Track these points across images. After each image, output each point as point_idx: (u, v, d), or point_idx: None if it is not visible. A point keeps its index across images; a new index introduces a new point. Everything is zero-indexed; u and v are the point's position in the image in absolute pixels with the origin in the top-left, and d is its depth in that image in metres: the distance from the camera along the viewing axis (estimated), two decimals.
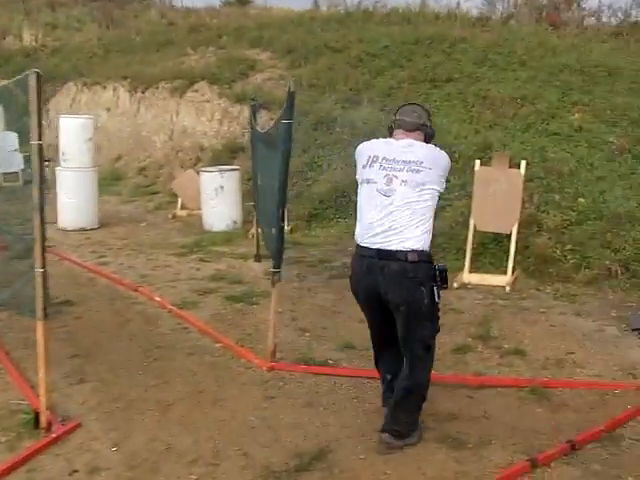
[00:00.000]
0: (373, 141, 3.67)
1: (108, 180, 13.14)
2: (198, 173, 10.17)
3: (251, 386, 4.36)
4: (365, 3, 16.38)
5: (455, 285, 6.34)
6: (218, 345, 5.08)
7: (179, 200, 10.74)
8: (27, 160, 3.81)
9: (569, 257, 6.62)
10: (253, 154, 7.68)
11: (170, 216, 10.54)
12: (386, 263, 3.37)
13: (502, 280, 6.46)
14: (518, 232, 6.62)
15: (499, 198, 6.62)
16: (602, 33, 13.21)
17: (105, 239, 9.11)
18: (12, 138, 5.02)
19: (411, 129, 3.57)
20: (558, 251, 6.70)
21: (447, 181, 3.65)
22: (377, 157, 3.51)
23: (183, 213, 10.56)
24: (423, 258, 3.40)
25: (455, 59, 11.76)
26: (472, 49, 11.98)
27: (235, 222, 9.51)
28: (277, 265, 4.62)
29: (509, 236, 6.65)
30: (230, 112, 12.96)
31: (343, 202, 9.22)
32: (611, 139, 8.37)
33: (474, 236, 6.80)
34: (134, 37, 18.28)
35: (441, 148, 3.64)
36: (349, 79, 11.91)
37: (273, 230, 4.80)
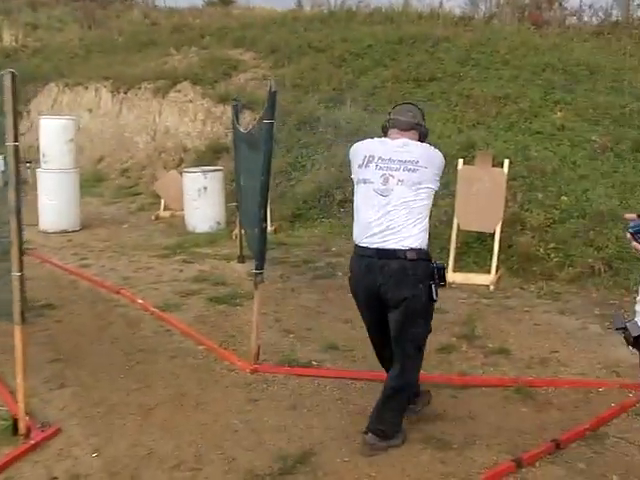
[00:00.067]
0: (368, 140, 3.66)
1: (90, 181, 13.03)
2: (181, 174, 10.10)
3: (234, 389, 4.31)
4: (348, 3, 16.42)
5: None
6: (201, 347, 5.02)
7: (162, 201, 10.66)
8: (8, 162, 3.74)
9: (552, 255, 6.63)
10: (236, 154, 7.64)
11: (153, 217, 10.46)
12: (386, 262, 3.37)
13: (486, 279, 6.46)
14: (502, 231, 6.62)
15: (482, 197, 6.61)
16: (584, 32, 13.28)
17: (87, 241, 9.02)
18: None
19: (406, 128, 3.57)
20: (541, 249, 6.72)
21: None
22: (373, 157, 3.50)
23: (166, 214, 10.48)
24: (422, 256, 3.41)
25: (438, 58, 11.78)
26: (455, 48, 12.01)
27: (218, 223, 9.45)
28: (260, 266, 4.57)
29: (493, 235, 6.65)
30: (213, 112, 12.90)
31: (327, 202, 9.20)
32: (593, 138, 8.41)
33: (458, 235, 6.79)
34: (116, 37, 18.17)
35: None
36: (332, 79, 11.89)
37: (256, 231, 4.75)
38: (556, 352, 4.83)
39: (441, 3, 15.70)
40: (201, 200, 9.34)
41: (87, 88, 15.63)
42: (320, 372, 4.53)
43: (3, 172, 5.21)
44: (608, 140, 8.22)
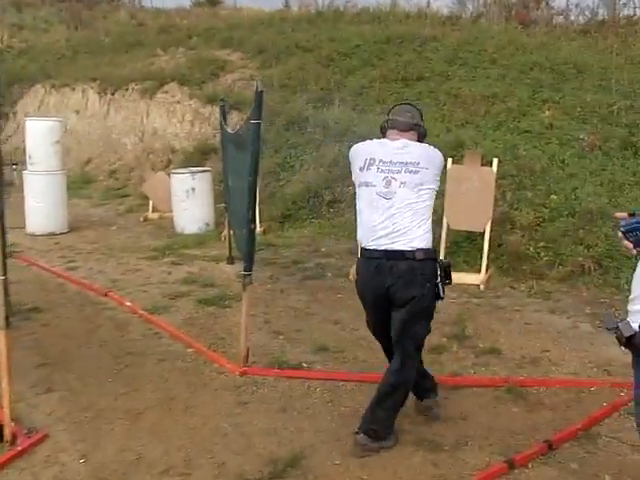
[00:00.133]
0: (368, 142, 3.66)
1: (78, 183, 12.96)
2: (169, 175, 10.04)
3: (223, 392, 4.27)
4: (336, 3, 16.42)
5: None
6: (190, 350, 4.97)
7: (150, 203, 10.59)
8: None
9: (542, 254, 6.62)
10: (223, 155, 7.59)
11: (141, 219, 10.39)
12: (394, 263, 3.39)
13: (476, 278, 6.44)
14: (491, 230, 6.61)
15: (472, 196, 6.60)
16: (570, 31, 13.33)
17: (75, 243, 8.94)
18: None
19: (405, 129, 3.57)
20: (531, 248, 6.71)
21: None
22: (374, 160, 3.49)
23: (154, 216, 10.42)
24: (429, 256, 3.45)
25: (426, 58, 11.78)
26: (443, 48, 12.01)
27: (207, 224, 9.40)
28: (248, 268, 4.53)
29: (482, 234, 6.64)
30: (201, 113, 12.84)
31: (316, 202, 9.17)
32: (581, 136, 8.41)
33: (447, 235, 6.78)
34: (103, 38, 18.07)
35: None
36: (320, 79, 11.86)
37: (244, 232, 4.71)
38: (547, 351, 4.82)
39: (428, 3, 15.79)
40: (189, 201, 9.29)
41: (74, 89, 15.55)
42: (310, 374, 4.49)
43: None
44: (596, 138, 8.22)
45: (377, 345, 4.91)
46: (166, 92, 13.64)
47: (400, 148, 3.49)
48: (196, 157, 11.68)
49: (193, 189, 9.31)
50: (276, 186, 9.88)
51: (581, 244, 6.55)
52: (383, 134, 3.65)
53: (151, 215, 10.46)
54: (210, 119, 12.42)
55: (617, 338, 2.26)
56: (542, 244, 6.71)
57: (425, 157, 3.49)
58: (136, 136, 13.73)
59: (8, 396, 3.62)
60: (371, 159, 3.50)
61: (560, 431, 3.62)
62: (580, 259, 6.36)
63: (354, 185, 3.65)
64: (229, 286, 6.51)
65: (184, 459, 3.47)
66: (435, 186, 3.51)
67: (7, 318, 3.57)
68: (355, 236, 3.69)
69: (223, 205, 7.79)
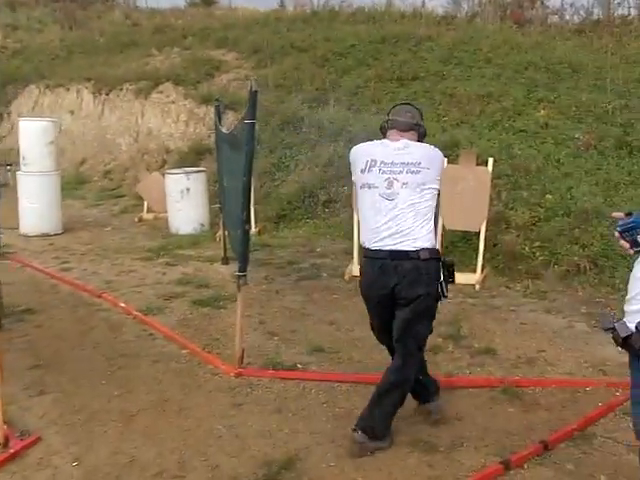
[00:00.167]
0: (368, 144, 3.66)
1: (72, 184, 12.93)
2: (163, 175, 10.01)
3: (218, 393, 4.24)
4: (331, 3, 16.42)
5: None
6: (184, 351, 4.94)
7: (145, 203, 10.56)
8: None
9: (538, 254, 6.61)
10: (218, 155, 7.57)
11: (136, 220, 10.36)
12: (399, 263, 3.40)
13: (471, 278, 6.43)
14: (487, 230, 6.59)
15: (467, 196, 6.58)
16: (565, 31, 13.34)
17: (69, 244, 8.90)
18: None
19: (405, 129, 3.57)
20: (527, 248, 6.70)
21: None
22: (375, 161, 3.49)
23: (149, 216, 10.39)
24: (433, 255, 3.46)
25: (421, 57, 11.76)
26: (438, 47, 12.00)
27: (202, 225, 9.37)
28: (242, 268, 4.50)
29: (478, 234, 6.62)
30: (196, 113, 12.81)
31: (311, 203, 9.16)
32: (577, 135, 8.41)
33: (443, 235, 6.76)
34: (97, 38, 18.02)
35: None
36: (315, 79, 11.84)
37: (239, 232, 4.69)
38: (543, 351, 4.80)
39: (424, 2, 15.83)
40: (184, 202, 9.26)
41: (68, 89, 15.50)
42: (305, 375, 4.46)
43: None
44: (591, 138, 8.22)
45: (372, 345, 4.90)
46: (161, 92, 13.61)
47: (401, 149, 3.49)
48: (191, 157, 11.64)
49: (188, 189, 9.28)
50: (271, 186, 9.86)
51: (576, 243, 6.54)
52: (383, 134, 3.65)
53: (146, 216, 10.43)
54: (205, 119, 12.39)
55: (614, 338, 2.24)
56: (537, 244, 6.69)
57: (426, 157, 3.49)
58: (131, 136, 13.69)
59: (0, 398, 3.59)
60: (372, 160, 3.50)
61: (556, 431, 3.61)
62: (575, 258, 6.35)
63: (355, 186, 3.66)
64: (224, 287, 6.48)
65: (178, 461, 3.44)
66: (437, 185, 3.52)
67: None
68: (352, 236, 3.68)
69: (218, 205, 7.76)
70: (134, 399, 4.17)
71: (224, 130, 6.89)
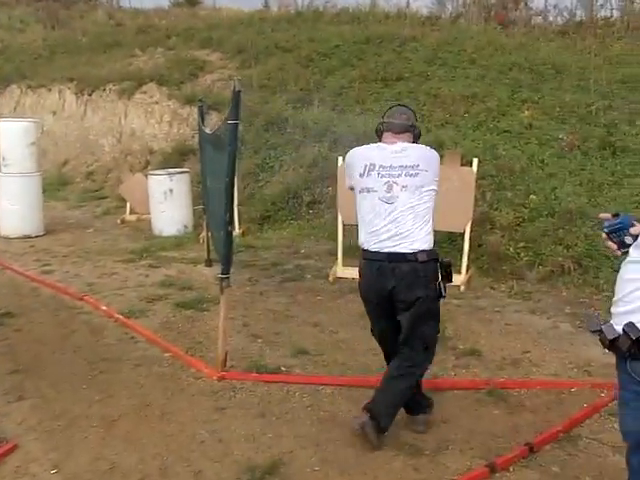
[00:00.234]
0: (365, 147, 3.67)
1: (54, 185, 12.81)
2: (146, 176, 9.92)
3: (201, 397, 4.18)
4: (315, 3, 16.36)
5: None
6: (167, 355, 4.88)
7: (128, 205, 10.46)
8: None
9: (522, 254, 6.61)
10: (201, 156, 7.51)
11: (119, 221, 10.27)
12: (397, 265, 3.42)
13: (456, 279, 6.34)
14: (471, 230, 6.57)
15: (452, 197, 6.53)
16: (549, 32, 13.37)
17: (50, 246, 8.79)
18: None
19: (400, 131, 3.59)
20: (511, 249, 6.69)
21: None
22: (374, 165, 3.51)
23: (132, 218, 10.29)
24: (432, 257, 3.48)
25: (405, 58, 11.75)
26: (422, 48, 11.99)
27: (185, 226, 9.30)
28: (226, 271, 4.45)
29: (462, 235, 6.60)
30: (180, 114, 12.72)
31: (295, 204, 9.11)
32: (561, 136, 8.42)
33: None
34: (80, 38, 17.84)
35: None
36: (300, 79, 11.79)
37: (222, 234, 4.63)
38: (528, 352, 4.79)
39: (408, 3, 15.78)
40: (167, 203, 9.18)
41: (50, 90, 15.35)
42: (289, 378, 4.42)
43: None
44: (575, 138, 8.23)
45: (357, 347, 4.91)
46: (144, 92, 13.50)
47: (398, 152, 3.51)
48: (174, 158, 11.56)
49: (171, 190, 9.21)
50: (255, 187, 9.81)
51: (561, 244, 6.54)
52: (379, 137, 3.66)
53: (128, 217, 10.34)
54: (189, 120, 12.30)
55: (601, 341, 2.22)
56: (522, 244, 6.69)
57: (424, 159, 3.51)
58: (114, 137, 13.58)
59: None
60: (371, 164, 3.52)
61: (541, 433, 3.60)
62: (560, 259, 6.35)
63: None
64: (207, 289, 6.42)
65: (160, 467, 3.39)
66: (435, 187, 3.53)
67: None
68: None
69: (201, 207, 7.70)
70: (115, 404, 4.10)
71: (207, 131, 6.83)
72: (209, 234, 7.09)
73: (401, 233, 3.41)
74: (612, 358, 2.37)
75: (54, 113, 14.99)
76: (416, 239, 3.42)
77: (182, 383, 4.41)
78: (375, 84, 11.08)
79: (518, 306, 5.84)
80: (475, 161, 6.70)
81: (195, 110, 10.25)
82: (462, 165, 6.75)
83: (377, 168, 3.49)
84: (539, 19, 15.33)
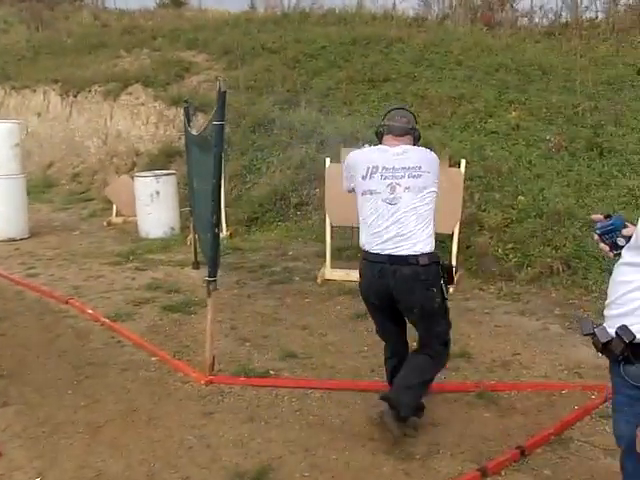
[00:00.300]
0: (366, 150, 3.72)
1: (40, 187, 12.73)
2: (133, 178, 9.84)
3: (188, 402, 4.13)
4: (302, 4, 16.36)
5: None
6: (154, 359, 4.82)
7: (114, 207, 10.38)
8: None
9: (511, 256, 6.60)
10: (187, 158, 7.45)
11: (105, 223, 10.18)
12: (398, 268, 3.43)
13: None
14: (460, 232, 6.55)
15: (440, 198, 6.52)
16: (535, 33, 13.45)
17: (35, 249, 8.70)
18: None
19: (401, 134, 3.62)
20: (500, 250, 6.68)
21: None
22: (377, 167, 3.53)
23: (119, 220, 10.21)
24: (433, 259, 3.50)
25: (392, 59, 11.75)
26: (409, 49, 12.01)
27: (172, 228, 9.22)
28: (213, 273, 4.40)
29: (451, 236, 6.58)
30: (166, 115, 12.64)
31: (283, 205, 9.07)
32: (548, 137, 8.44)
33: None
34: (65, 39, 17.71)
35: None
36: (287, 80, 11.76)
37: (209, 236, 4.58)
38: (518, 354, 4.77)
39: (394, 4, 15.79)
40: (154, 205, 9.10)
41: (35, 91, 15.22)
42: (278, 382, 4.37)
43: None
44: (562, 139, 8.25)
45: (345, 350, 4.88)
46: (130, 94, 13.41)
47: (400, 154, 3.53)
48: (161, 160, 11.48)
49: (157, 192, 9.13)
50: (242, 189, 9.76)
51: (549, 245, 6.53)
52: (379, 139, 3.68)
53: (115, 219, 10.25)
54: (175, 121, 12.23)
55: (594, 344, 2.19)
56: (510, 245, 6.68)
57: (425, 161, 3.55)
58: (99, 139, 13.48)
59: None
60: (374, 167, 3.53)
61: (532, 436, 3.57)
62: (548, 260, 6.34)
63: (356, 194, 3.64)
64: (194, 292, 6.36)
65: (147, 474, 3.32)
66: (435, 188, 3.57)
67: None
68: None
69: (188, 209, 7.63)
70: (101, 409, 4.04)
71: (193, 132, 6.77)
72: (196, 236, 7.03)
73: (403, 234, 3.43)
74: (602, 360, 2.35)
75: (39, 114, 14.88)
76: (418, 240, 3.43)
77: (169, 388, 4.34)
78: (362, 85, 11.07)
79: (507, 307, 5.82)
80: (463, 162, 6.68)
81: (181, 111, 10.20)
82: (450, 166, 6.73)
83: (380, 170, 3.51)
84: (525, 20, 15.42)
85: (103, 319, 5.66)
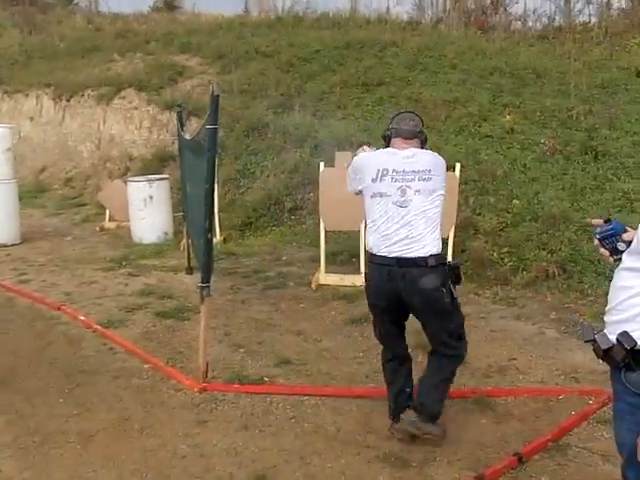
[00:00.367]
0: (376, 153, 3.70)
1: (32, 192, 12.64)
2: (126, 183, 9.77)
3: (181, 410, 4.07)
4: (296, 8, 16.35)
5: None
6: (146, 366, 4.75)
7: (107, 212, 10.31)
8: None
9: (506, 260, 6.55)
10: (181, 162, 7.40)
11: (98, 229, 10.10)
12: (407, 270, 3.43)
13: None
14: (455, 236, 6.52)
15: None
16: (529, 37, 13.49)
17: (27, 255, 8.62)
18: None
19: (410, 137, 3.63)
20: (495, 254, 6.64)
21: None
22: (387, 170, 3.52)
23: (112, 225, 10.13)
24: (440, 261, 3.50)
25: (386, 63, 11.74)
26: (403, 53, 12.00)
27: (166, 233, 9.16)
28: (206, 279, 4.35)
29: (446, 240, 6.54)
30: (159, 119, 12.59)
31: (277, 210, 9.02)
32: (542, 140, 8.44)
33: None
34: (58, 43, 17.64)
35: None
36: (280, 84, 11.73)
37: (202, 241, 4.53)
38: (514, 359, 4.72)
39: (388, 8, 15.83)
40: (147, 210, 9.03)
41: (28, 95, 15.14)
42: (272, 389, 4.32)
43: None
44: (556, 143, 8.25)
45: (341, 356, 4.82)
46: (123, 98, 13.35)
47: (410, 157, 3.54)
48: (154, 164, 11.41)
49: (151, 197, 9.07)
50: (236, 193, 9.70)
51: (544, 249, 6.50)
52: (387, 142, 3.68)
53: (108, 225, 10.17)
54: (168, 125, 12.17)
55: (594, 350, 2.15)
56: (506, 249, 6.64)
57: (434, 164, 3.57)
58: (92, 143, 13.41)
59: None
60: (384, 170, 3.53)
61: (530, 443, 3.52)
62: (544, 264, 6.30)
63: (363, 196, 3.62)
64: (188, 297, 6.30)
65: None
66: (443, 192, 3.59)
67: None
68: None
69: (181, 214, 7.58)
70: (93, 418, 3.98)
71: (187, 136, 6.72)
72: (189, 241, 6.98)
73: (413, 237, 3.43)
74: (599, 365, 2.31)
75: (31, 119, 14.80)
76: (426, 243, 3.44)
77: (162, 396, 4.29)
78: (356, 89, 11.05)
79: (503, 312, 5.78)
80: (457, 166, 6.65)
81: (175, 116, 10.16)
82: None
83: (390, 173, 3.50)
84: (518, 24, 15.46)
85: (95, 326, 5.59)
